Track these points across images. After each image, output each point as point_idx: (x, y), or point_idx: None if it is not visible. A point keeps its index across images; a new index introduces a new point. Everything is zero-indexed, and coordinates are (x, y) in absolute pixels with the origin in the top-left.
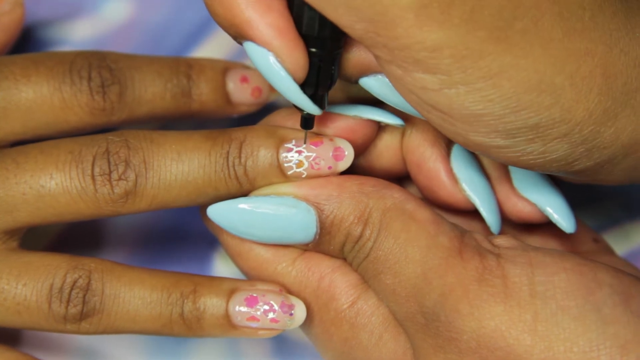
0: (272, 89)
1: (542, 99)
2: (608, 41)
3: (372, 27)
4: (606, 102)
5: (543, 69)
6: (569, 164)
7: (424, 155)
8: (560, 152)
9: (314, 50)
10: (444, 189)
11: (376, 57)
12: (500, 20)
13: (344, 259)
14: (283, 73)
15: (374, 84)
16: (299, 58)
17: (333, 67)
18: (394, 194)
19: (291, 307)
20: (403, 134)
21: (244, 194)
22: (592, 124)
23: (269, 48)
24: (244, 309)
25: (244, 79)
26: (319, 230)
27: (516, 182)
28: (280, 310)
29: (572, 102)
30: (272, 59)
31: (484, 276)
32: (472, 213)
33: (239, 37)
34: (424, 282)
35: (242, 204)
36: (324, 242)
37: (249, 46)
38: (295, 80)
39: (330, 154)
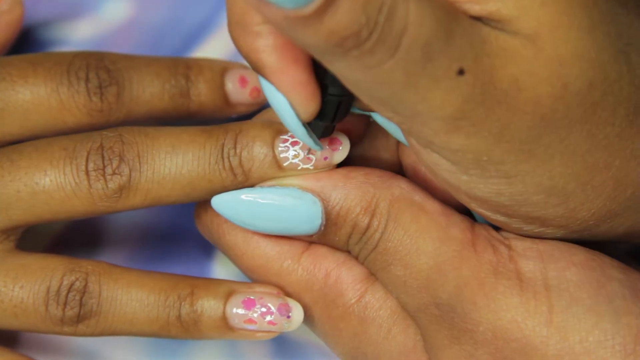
0: None
1: (551, 200)
2: (628, 155)
3: (400, 119)
4: (610, 206)
5: (558, 177)
6: (562, 239)
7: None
8: (556, 234)
9: (333, 95)
10: (439, 192)
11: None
12: (527, 137)
13: (348, 252)
14: (294, 117)
15: (380, 120)
16: (313, 108)
17: (348, 105)
18: (401, 184)
19: (288, 309)
20: None
21: (239, 187)
22: (592, 220)
23: (286, 96)
24: (241, 311)
25: (243, 80)
26: (324, 222)
27: None
28: (277, 312)
29: (578, 204)
30: (286, 103)
31: (499, 269)
32: (468, 215)
33: (257, 72)
34: (438, 274)
35: (247, 194)
36: (329, 234)
37: (265, 83)
38: (302, 120)
39: (326, 144)
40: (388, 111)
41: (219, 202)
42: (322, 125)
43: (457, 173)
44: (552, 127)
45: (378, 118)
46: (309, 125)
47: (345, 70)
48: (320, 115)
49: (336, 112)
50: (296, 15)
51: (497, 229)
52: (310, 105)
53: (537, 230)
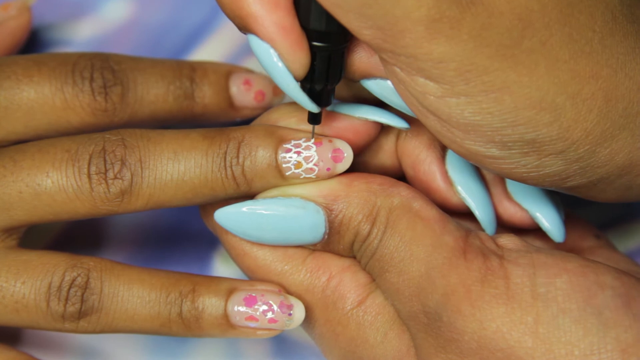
0: (275, 92)
1: (542, 116)
2: (614, 65)
3: (380, 34)
4: (605, 124)
5: (546, 87)
6: (562, 180)
7: (419, 157)
8: (555, 167)
9: (319, 44)
10: (439, 192)
11: (380, 58)
12: (508, 39)
13: (354, 258)
14: (284, 70)
15: (374, 87)
16: (300, 57)
17: (339, 61)
18: (402, 192)
19: (290, 307)
20: (398, 136)
21: (241, 194)
22: (589, 143)
23: (272, 45)
24: (242, 308)
25: (247, 83)
26: (327, 230)
27: (510, 186)
28: (279, 310)
29: (571, 121)
30: (274, 55)
31: (487, 277)
32: (468, 215)
33: (243, 29)
34: (427, 282)
35: (250, 206)
36: (333, 242)
37: (252, 39)
38: (295, 77)
39: (329, 155)
40: (369, 26)
41: (222, 215)
42: (318, 90)
43: (445, 97)
44: (531, 29)
45: (373, 86)
46: (308, 94)
47: None
48: (313, 78)
49: (327, 68)
50: None
51: (501, 225)
52: (297, 53)
53: (535, 164)
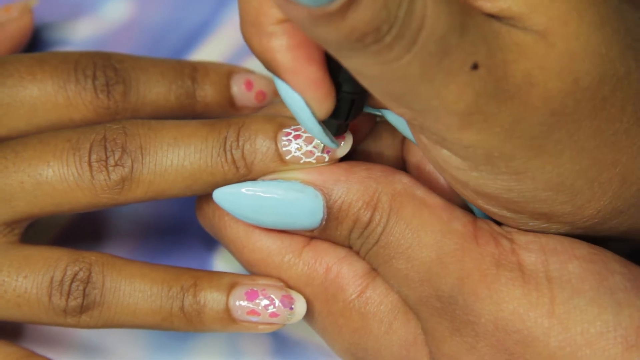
0: (276, 92)
1: (558, 196)
2: (634, 152)
3: (413, 114)
4: (616, 203)
5: (566, 173)
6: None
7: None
8: (561, 230)
9: (347, 93)
10: (443, 192)
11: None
12: (538, 132)
13: (349, 248)
14: (309, 115)
15: (389, 117)
16: (328, 105)
17: (361, 103)
18: (403, 179)
19: (291, 301)
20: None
21: (240, 179)
22: (598, 218)
23: (302, 95)
24: (244, 303)
25: (249, 83)
26: (326, 216)
27: None
28: (280, 304)
29: (585, 201)
30: (301, 101)
31: (501, 261)
32: None
33: (272, 73)
34: (440, 267)
35: (249, 187)
36: (330, 228)
37: (279, 82)
38: (317, 118)
39: None
40: (401, 107)
41: (220, 195)
42: (336, 124)
43: (467, 170)
44: (561, 123)
45: (389, 116)
46: (324, 124)
47: (361, 66)
48: (334, 113)
49: (350, 110)
50: (320, 12)
51: (499, 223)
52: (325, 103)
53: (542, 226)
